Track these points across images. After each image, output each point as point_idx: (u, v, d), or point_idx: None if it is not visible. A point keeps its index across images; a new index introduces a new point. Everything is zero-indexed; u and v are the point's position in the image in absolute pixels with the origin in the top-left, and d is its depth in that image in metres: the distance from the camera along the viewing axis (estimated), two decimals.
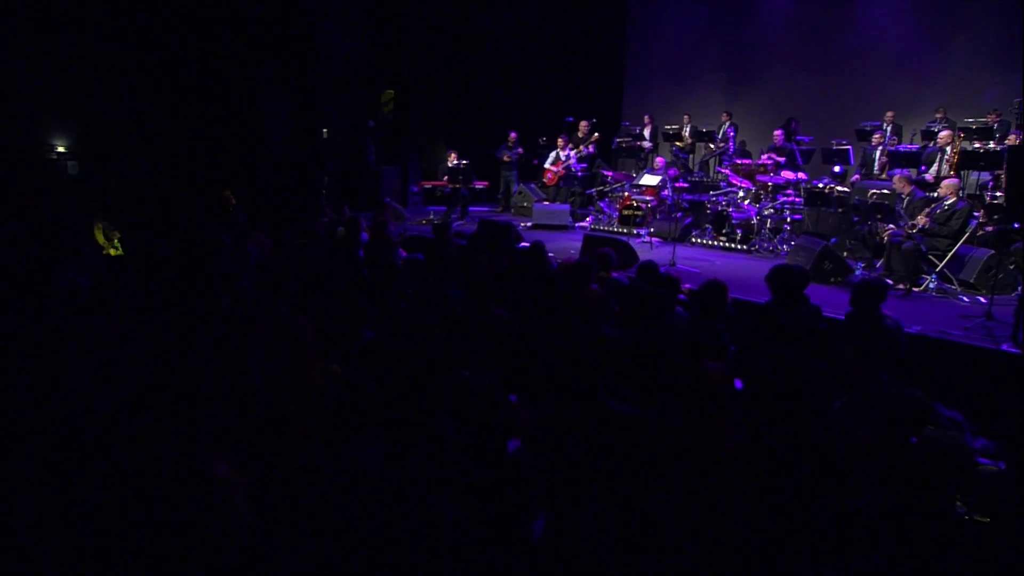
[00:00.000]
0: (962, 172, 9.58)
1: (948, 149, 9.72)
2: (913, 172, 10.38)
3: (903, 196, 7.59)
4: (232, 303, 4.76)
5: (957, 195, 6.99)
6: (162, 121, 10.66)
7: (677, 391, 2.56)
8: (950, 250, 6.88)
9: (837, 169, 10.71)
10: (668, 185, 10.00)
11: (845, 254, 8.18)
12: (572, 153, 11.66)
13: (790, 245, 9.05)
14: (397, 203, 12.17)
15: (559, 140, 11.69)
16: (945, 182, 7.04)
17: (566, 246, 9.11)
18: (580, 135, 12.49)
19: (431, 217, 11.47)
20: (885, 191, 7.70)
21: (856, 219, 7.90)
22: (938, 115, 11.06)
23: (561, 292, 4.57)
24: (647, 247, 9.17)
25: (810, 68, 13.30)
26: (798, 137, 10.80)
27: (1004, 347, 4.93)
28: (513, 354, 4.24)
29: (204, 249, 5.71)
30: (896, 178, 7.63)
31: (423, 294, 4.93)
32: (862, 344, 4.20)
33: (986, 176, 9.29)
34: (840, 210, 8.18)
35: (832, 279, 7.23)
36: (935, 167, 9.87)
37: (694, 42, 15.05)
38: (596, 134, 12.84)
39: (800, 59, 13.46)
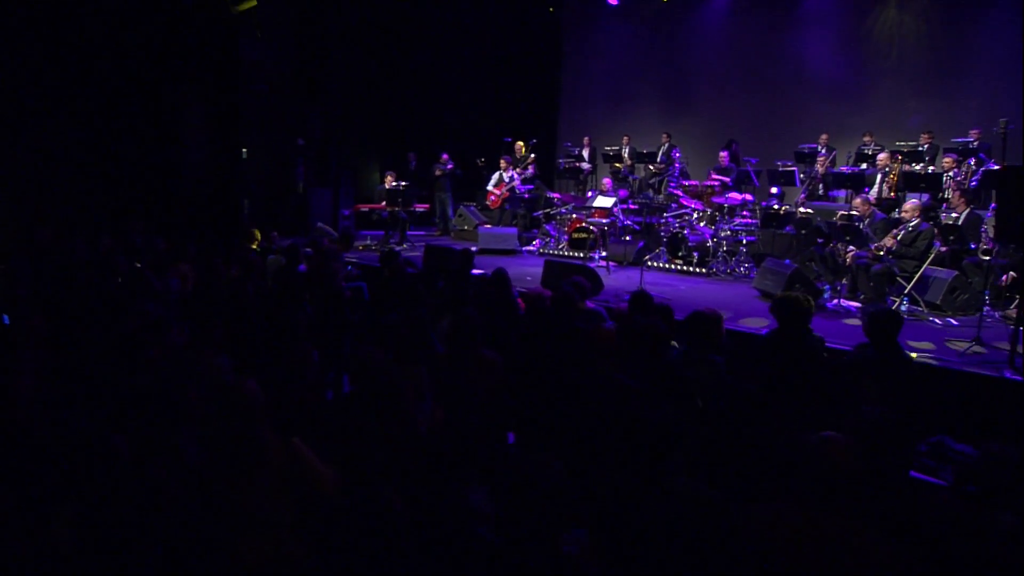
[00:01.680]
0: (901, 193, 9.79)
1: (886, 171, 9.88)
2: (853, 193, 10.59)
3: (864, 218, 7.50)
4: (159, 355, 3.93)
5: (921, 216, 6.91)
6: (59, 137, 9.47)
7: (788, 473, 2.03)
8: (916, 271, 6.78)
9: (774, 190, 10.73)
10: (617, 207, 9.69)
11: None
12: (516, 174, 11.20)
13: (748, 267, 8.88)
14: (328, 227, 11.31)
15: (502, 161, 11.21)
16: (908, 204, 6.98)
17: (520, 272, 8.59)
18: (517, 156, 12.07)
19: (368, 242, 10.72)
20: (844, 212, 7.59)
21: (820, 240, 7.76)
22: (866, 139, 11.29)
23: (563, 331, 4.00)
24: (603, 272, 8.76)
25: (746, 91, 13.44)
26: (744, 158, 10.75)
27: (1007, 374, 4.73)
28: (510, 403, 3.65)
29: (120, 288, 4.81)
30: (858, 201, 7.56)
31: (392, 333, 4.26)
32: (889, 381, 3.86)
33: (923, 197, 9.51)
34: (802, 232, 8.04)
35: None
36: (875, 188, 10.02)
37: (631, 62, 15.00)
38: (532, 155, 12.49)
39: (736, 82, 13.60)
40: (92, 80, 9.53)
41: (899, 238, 6.88)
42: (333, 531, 2.66)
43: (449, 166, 12.07)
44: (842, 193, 10.94)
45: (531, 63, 15.30)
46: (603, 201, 9.26)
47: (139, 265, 7.02)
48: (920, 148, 10.63)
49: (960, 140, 10.32)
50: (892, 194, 9.78)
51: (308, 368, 3.64)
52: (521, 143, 12.32)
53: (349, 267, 7.46)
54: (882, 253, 6.88)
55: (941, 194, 9.47)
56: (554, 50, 15.66)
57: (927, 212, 9.50)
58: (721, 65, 13.85)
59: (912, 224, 6.88)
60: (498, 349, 4.18)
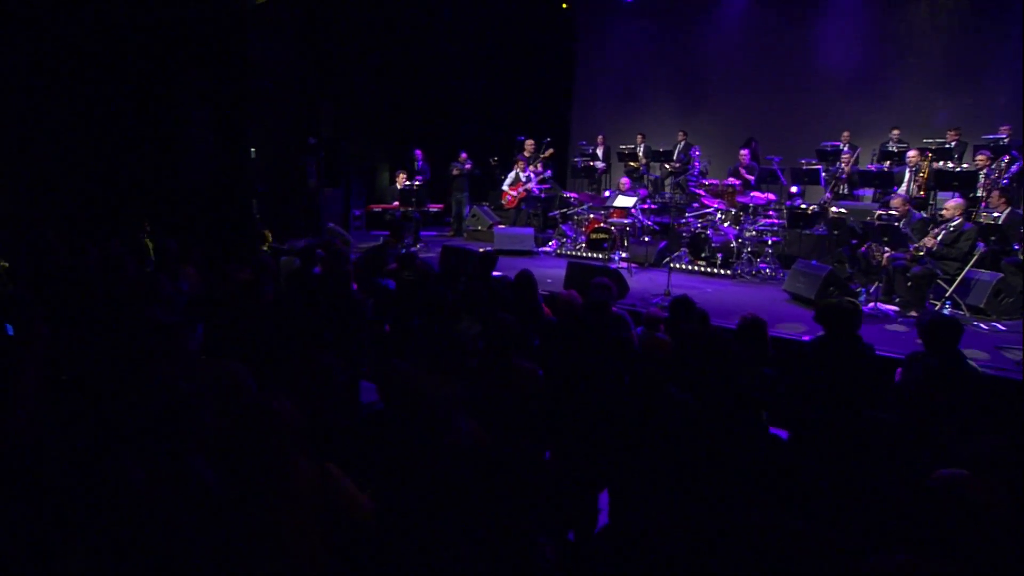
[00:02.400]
0: (931, 192, 9.48)
1: (916, 169, 9.58)
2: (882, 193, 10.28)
3: (901, 218, 7.19)
4: (170, 367, 3.65)
5: (963, 215, 6.60)
6: (59, 137, 9.21)
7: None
8: (959, 274, 6.48)
9: (795, 189, 10.42)
10: (637, 206, 9.40)
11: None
12: (532, 174, 10.91)
13: (774, 269, 8.58)
14: (340, 228, 11.06)
15: (519, 160, 10.91)
16: (950, 203, 6.67)
17: (539, 274, 8.26)
18: (527, 154, 11.78)
19: (381, 243, 10.42)
20: (880, 212, 7.29)
21: (854, 241, 7.46)
22: (894, 133, 10.98)
23: (607, 340, 3.71)
24: (625, 274, 8.47)
25: (764, 87, 13.12)
26: (767, 156, 10.44)
27: None
28: (551, 420, 3.37)
29: (129, 294, 4.54)
30: (897, 200, 7.25)
31: (422, 342, 3.99)
32: (955, 395, 3.56)
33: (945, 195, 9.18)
34: (835, 232, 7.74)
35: None
36: (903, 187, 9.71)
37: (645, 59, 14.69)
38: (551, 150, 12.20)
39: (754, 78, 13.28)
40: (93, 78, 9.26)
41: (940, 238, 6.57)
42: (370, 565, 2.39)
43: (468, 165, 11.78)
44: (867, 192, 10.65)
45: (543, 60, 15.01)
46: (624, 201, 8.97)
47: (149, 269, 6.77)
48: (948, 145, 10.32)
49: (991, 137, 10.02)
50: (921, 193, 9.46)
51: (334, 383, 3.36)
52: (532, 141, 12.02)
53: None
54: (922, 254, 6.57)
55: (973, 193, 9.19)
56: (566, 47, 15.36)
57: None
58: (738, 61, 13.53)
59: (954, 224, 6.57)
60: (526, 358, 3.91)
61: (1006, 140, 9.71)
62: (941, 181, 9.02)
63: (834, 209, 8.24)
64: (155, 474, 2.63)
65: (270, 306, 5.08)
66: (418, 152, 11.75)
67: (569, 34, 15.36)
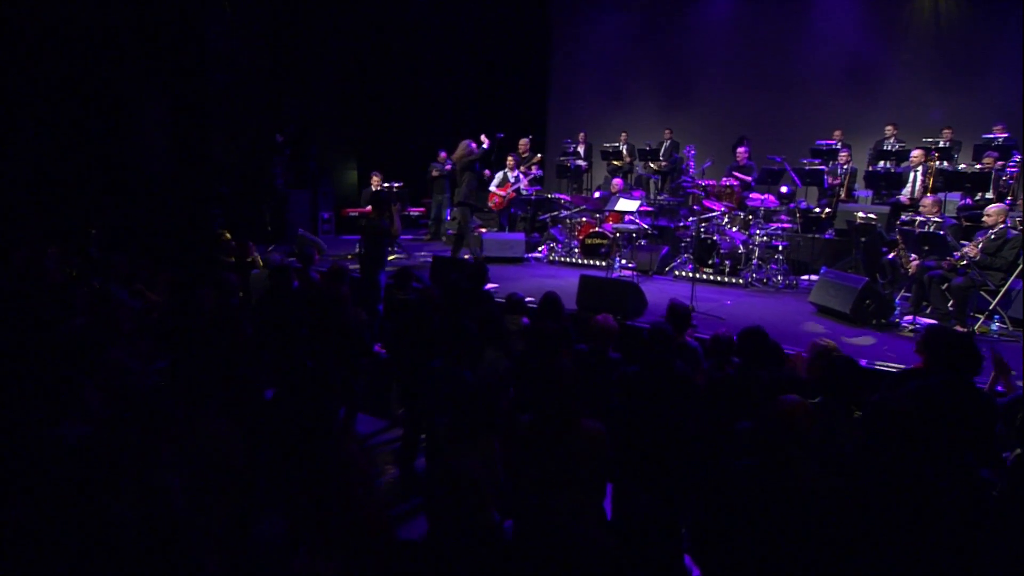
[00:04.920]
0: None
1: (921, 169, 9.17)
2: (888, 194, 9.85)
3: (931, 222, 6.69)
4: (127, 411, 2.81)
5: (1005, 221, 6.11)
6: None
7: None
8: (1003, 284, 5.99)
9: (785, 190, 9.94)
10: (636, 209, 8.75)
11: None
12: (521, 175, 10.18)
13: (785, 276, 8.03)
14: (311, 234, 10.13)
15: (508, 159, 10.17)
16: (992, 208, 6.17)
17: (537, 286, 7.59)
18: (522, 154, 11.05)
19: (357, 251, 9.56)
20: (911, 216, 6.78)
21: (884, 249, 6.94)
22: (889, 129, 10.59)
23: (681, 384, 3.00)
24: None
25: (752, 83, 12.64)
26: (769, 156, 9.91)
27: None
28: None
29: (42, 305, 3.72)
30: (929, 201, 6.73)
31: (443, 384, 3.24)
32: None
33: (954, 196, 8.80)
34: (863, 239, 7.20)
35: (873, 320, 6.15)
36: (908, 188, 9.30)
37: (625, 52, 14.08)
38: (539, 155, 11.52)
39: (741, 74, 12.79)
40: (38, 72, 8.20)
41: (980, 247, 6.07)
42: None
43: (448, 166, 11.00)
44: (866, 193, 10.23)
45: (519, 53, 14.30)
46: (626, 204, 8.30)
47: (97, 281, 5.86)
48: (944, 144, 9.98)
49: (989, 136, 9.70)
50: (928, 194, 9.05)
51: (348, 457, 2.58)
52: (526, 140, 11.30)
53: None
54: (964, 263, 6.06)
55: (981, 195, 8.82)
56: (543, 39, 14.65)
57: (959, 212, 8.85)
58: (723, 56, 13.03)
59: (996, 231, 6.07)
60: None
61: (1000, 141, 9.38)
62: (951, 182, 8.60)
63: (860, 214, 7.70)
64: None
65: (245, 339, 4.25)
66: (443, 152, 10.92)
67: (545, 25, 14.66)
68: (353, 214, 9.57)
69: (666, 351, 3.38)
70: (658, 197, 10.41)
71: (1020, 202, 8.29)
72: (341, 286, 4.91)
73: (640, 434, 3.04)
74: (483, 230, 10.49)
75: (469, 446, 2.85)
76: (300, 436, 2.79)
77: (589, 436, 2.81)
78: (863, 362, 4.75)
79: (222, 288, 5.42)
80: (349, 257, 9.33)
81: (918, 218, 6.67)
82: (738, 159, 10.36)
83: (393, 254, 9.40)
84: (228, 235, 8.02)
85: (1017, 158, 8.80)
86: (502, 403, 2.97)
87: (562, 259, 9.43)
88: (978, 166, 8.60)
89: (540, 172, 10.57)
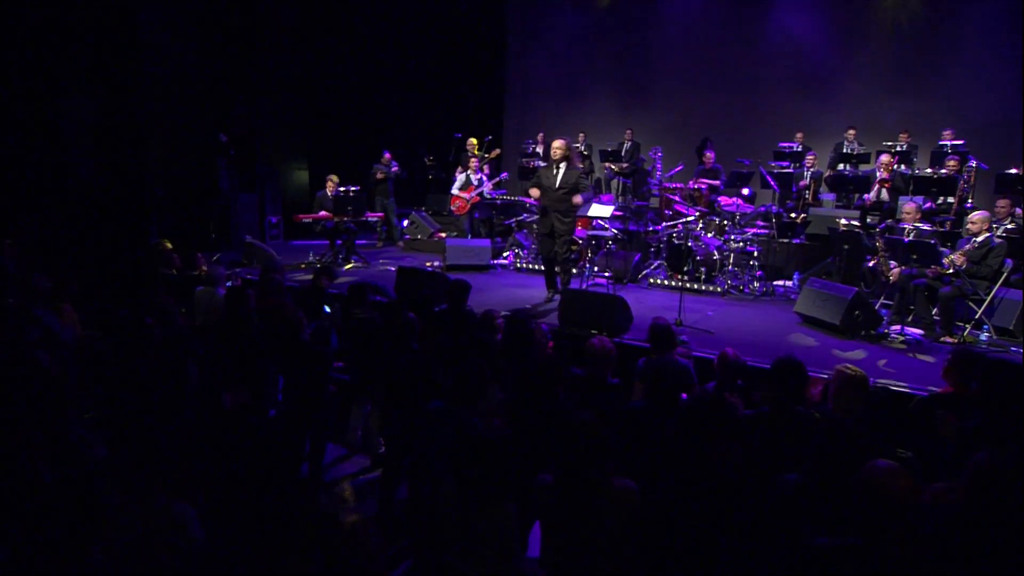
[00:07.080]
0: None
1: (879, 173, 9.09)
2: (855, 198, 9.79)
3: (911, 227, 6.55)
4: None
5: (989, 229, 6.00)
6: None
7: None
8: (988, 293, 5.86)
9: (746, 192, 9.80)
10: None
11: None
12: (485, 177, 9.71)
13: (762, 283, 7.81)
14: (259, 242, 9.43)
15: (472, 161, 9.67)
16: (975, 215, 6.04)
17: (511, 298, 7.15)
18: (470, 153, 10.54)
19: (312, 259, 8.92)
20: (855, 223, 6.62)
21: (868, 257, 6.77)
22: (850, 133, 10.56)
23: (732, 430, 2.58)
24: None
25: (712, 84, 12.49)
26: (738, 159, 9.72)
27: None
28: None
29: None
30: (911, 206, 6.58)
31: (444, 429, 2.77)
32: None
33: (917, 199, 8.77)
34: (846, 247, 7.01)
35: (862, 332, 5.95)
36: (872, 192, 9.25)
37: (583, 51, 13.75)
38: (497, 150, 11.09)
39: (701, 75, 12.63)
40: None
41: (966, 254, 5.93)
42: None
43: (394, 167, 10.42)
44: (830, 197, 10.17)
45: (474, 50, 13.82)
46: (599, 210, 7.93)
47: (11, 301, 5.14)
48: (901, 148, 10.01)
49: (944, 143, 9.75)
50: (889, 198, 9.01)
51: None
52: (474, 140, 10.80)
53: (326, 309, 5.72)
54: (950, 271, 5.91)
55: (945, 199, 8.81)
56: (498, 36, 14.20)
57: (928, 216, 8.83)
58: (683, 56, 12.85)
59: (980, 238, 5.94)
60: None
61: (949, 148, 9.42)
62: (919, 187, 8.56)
63: (843, 221, 7.54)
64: None
65: (189, 378, 3.67)
66: (387, 153, 10.34)
67: (500, 22, 14.21)
68: (306, 220, 8.92)
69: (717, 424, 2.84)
70: (628, 200, 10.10)
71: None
72: (292, 312, 4.32)
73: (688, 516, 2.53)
74: (443, 235, 9.99)
75: (480, 512, 2.40)
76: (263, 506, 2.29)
77: (616, 493, 2.38)
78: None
79: (160, 311, 4.76)
80: (302, 267, 8.70)
81: (906, 226, 6.49)
82: (705, 163, 10.16)
83: (350, 263, 8.81)
84: (169, 244, 7.31)
85: (973, 163, 8.83)
86: (515, 456, 2.52)
87: (530, 266, 9.01)
88: (943, 171, 8.58)
89: (506, 175, 10.11)
